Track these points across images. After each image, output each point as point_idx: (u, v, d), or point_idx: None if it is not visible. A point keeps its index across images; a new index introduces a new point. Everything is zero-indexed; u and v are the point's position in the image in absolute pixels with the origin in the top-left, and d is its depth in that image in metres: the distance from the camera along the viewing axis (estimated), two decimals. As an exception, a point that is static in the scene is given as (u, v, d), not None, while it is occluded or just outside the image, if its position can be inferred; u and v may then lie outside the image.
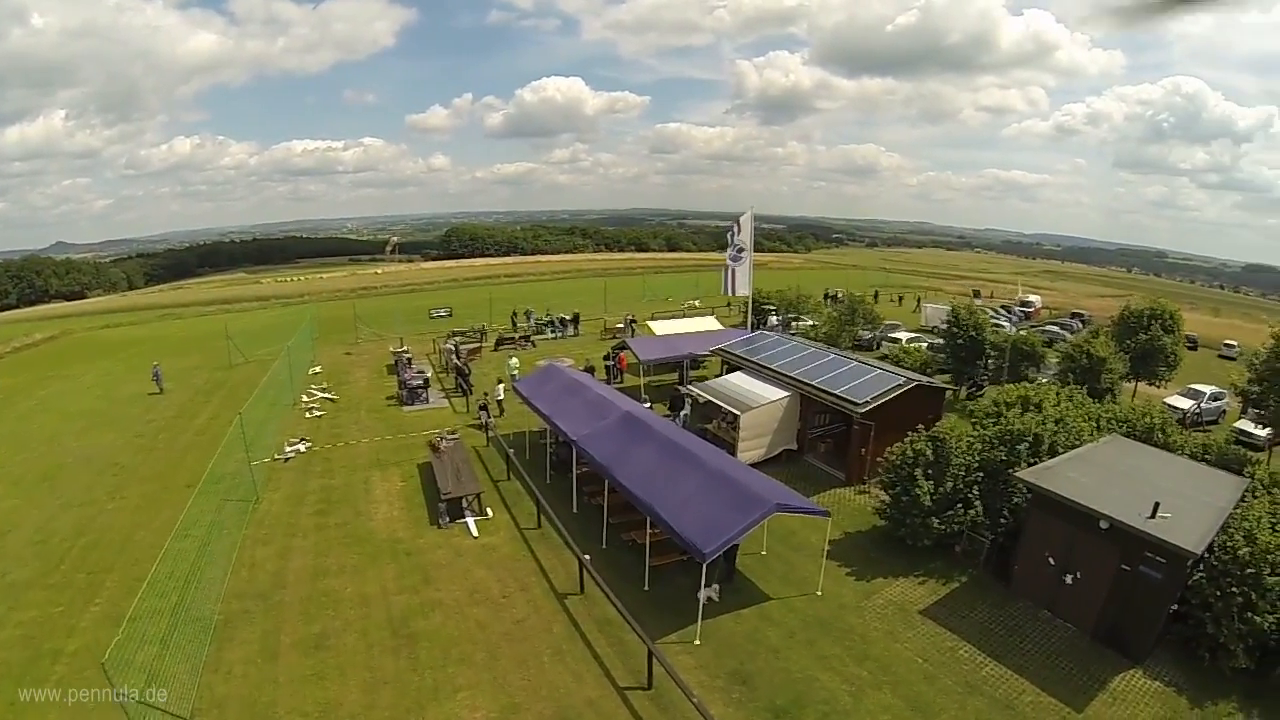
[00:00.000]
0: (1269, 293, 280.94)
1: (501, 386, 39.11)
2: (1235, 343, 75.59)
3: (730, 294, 45.35)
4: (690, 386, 35.05)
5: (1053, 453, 24.81)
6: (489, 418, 35.62)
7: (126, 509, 27.70)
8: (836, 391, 30.02)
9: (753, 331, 42.60)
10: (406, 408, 40.62)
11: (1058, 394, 29.82)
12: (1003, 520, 24.13)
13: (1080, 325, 76.32)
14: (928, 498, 23.59)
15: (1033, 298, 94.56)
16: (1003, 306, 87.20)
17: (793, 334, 52.42)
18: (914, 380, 30.87)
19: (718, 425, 33.22)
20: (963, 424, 29.79)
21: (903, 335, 56.40)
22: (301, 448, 33.70)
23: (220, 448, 28.85)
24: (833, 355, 34.81)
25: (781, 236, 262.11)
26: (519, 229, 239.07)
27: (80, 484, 30.45)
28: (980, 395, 43.83)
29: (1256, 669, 18.64)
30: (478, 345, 53.18)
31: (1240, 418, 41.26)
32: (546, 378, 33.44)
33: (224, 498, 26.98)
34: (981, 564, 24.01)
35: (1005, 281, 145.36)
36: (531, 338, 57.01)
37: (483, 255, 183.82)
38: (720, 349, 38.76)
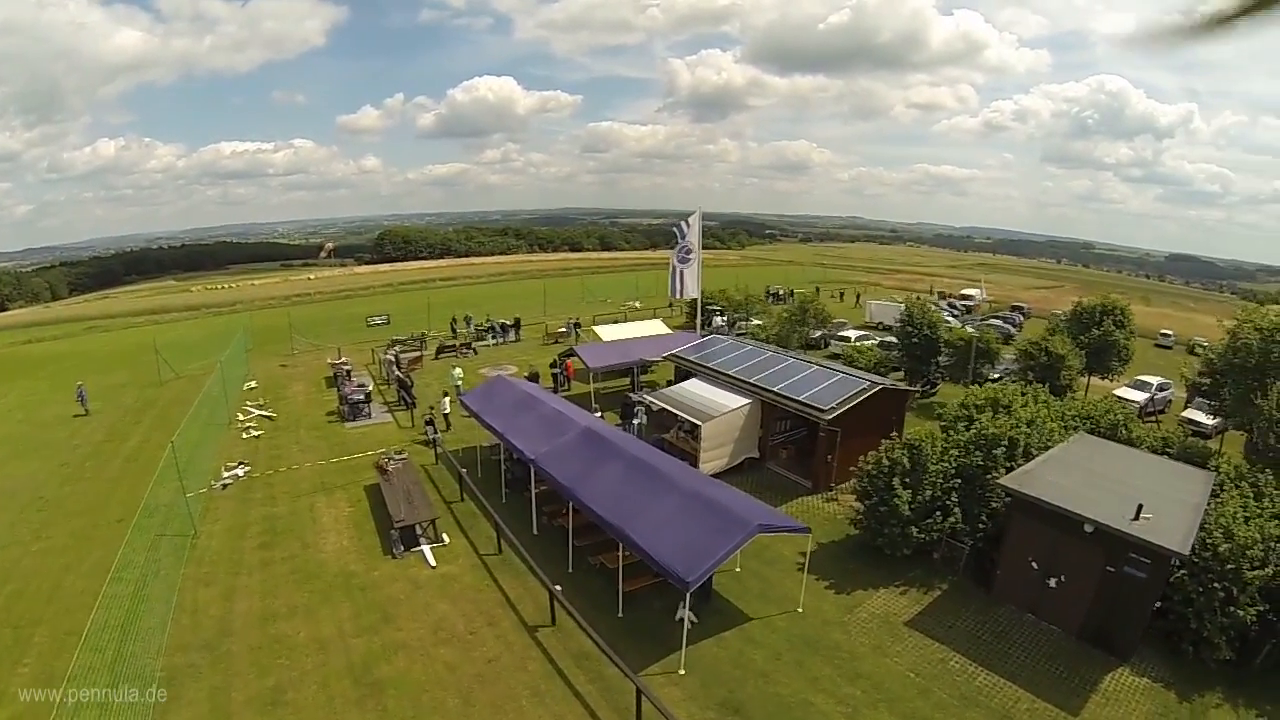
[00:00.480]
0: (1191, 280, 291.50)
1: (447, 400, 37.67)
2: (1171, 332, 77.36)
3: (679, 296, 44.70)
4: (646, 395, 34.14)
5: (1027, 456, 24.62)
6: (436, 433, 34.35)
7: (54, 550, 25.55)
8: (800, 398, 29.45)
9: (701, 334, 42.00)
10: (349, 424, 38.99)
11: (1024, 394, 29.67)
12: (981, 525, 23.81)
13: (1021, 318, 77.34)
14: (906, 507, 23.08)
15: (972, 291, 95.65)
16: (942, 297, 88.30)
17: (740, 334, 52.08)
18: (878, 384, 30.45)
19: (676, 435, 32.47)
20: (929, 426, 29.37)
21: (851, 333, 56.24)
22: (240, 472, 31.77)
23: (154, 476, 26.90)
24: (791, 359, 34.25)
25: (715, 234, 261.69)
26: (452, 231, 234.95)
27: (2, 522, 28.14)
28: (934, 393, 43.86)
29: (1237, 659, 19.19)
30: (419, 354, 51.60)
31: (1186, 407, 42.54)
32: (494, 391, 32.21)
33: (159, 532, 25.05)
34: (961, 570, 23.71)
35: (941, 275, 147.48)
36: (473, 345, 55.54)
37: (417, 258, 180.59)
38: (674, 355, 37.95)
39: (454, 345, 54.42)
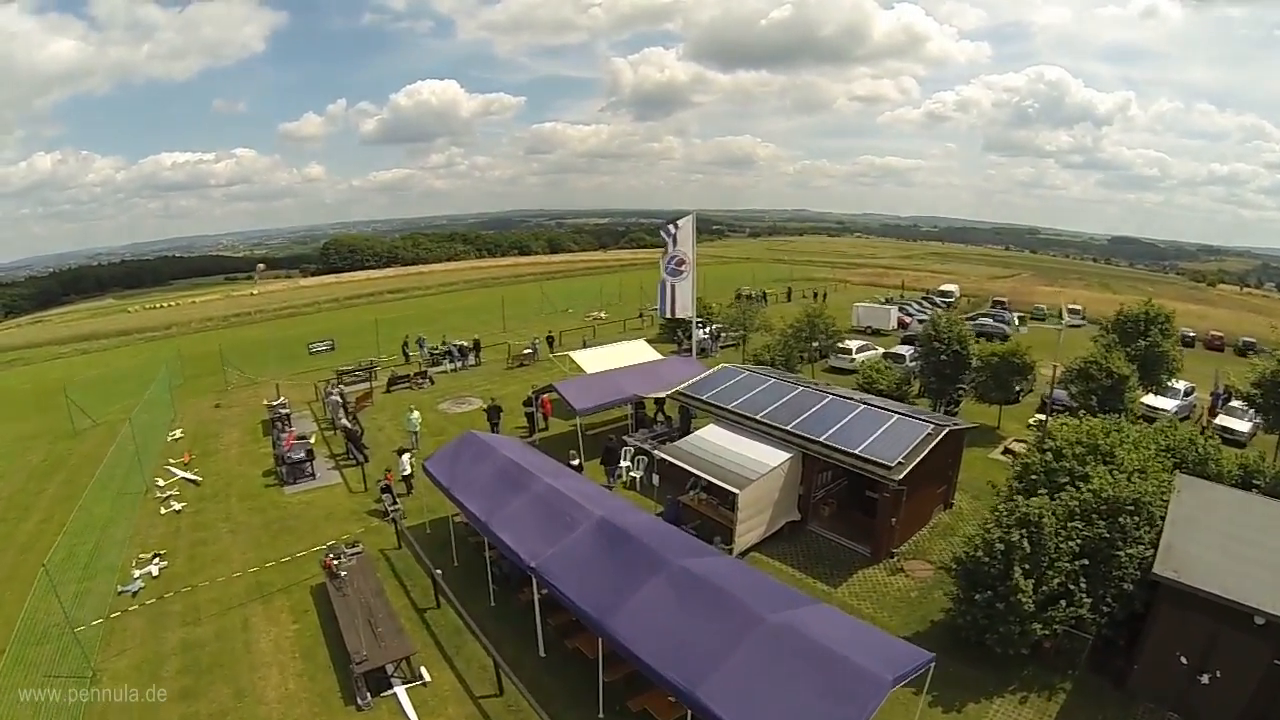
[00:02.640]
0: (1135, 262, 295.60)
1: (407, 458, 31.10)
2: (1192, 331, 73.55)
3: (669, 315, 39.14)
4: (645, 440, 28.18)
5: (1151, 521, 19.72)
6: (395, 503, 28.36)
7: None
8: (857, 451, 23.92)
9: (682, 350, 36.30)
10: (289, 488, 32.24)
11: (1116, 432, 24.52)
12: (1105, 609, 18.90)
13: (1010, 316, 73.03)
14: (1030, 601, 17.84)
15: (950, 287, 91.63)
16: (924, 299, 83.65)
17: (724, 345, 46.43)
18: (944, 426, 25.15)
19: (696, 498, 26.77)
20: (999, 478, 24.28)
21: (853, 344, 51.05)
22: (155, 570, 24.81)
23: (43, 585, 19.79)
24: (830, 396, 28.52)
25: (665, 231, 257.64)
26: (398, 238, 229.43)
27: None
28: (956, 414, 38.99)
29: None
30: (367, 389, 45.38)
31: (1215, 413, 40.68)
32: (465, 453, 25.59)
33: (49, 673, 18.46)
34: (1083, 664, 19.01)
35: (901, 267, 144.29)
36: (428, 373, 49.16)
37: (363, 267, 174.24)
38: (681, 394, 31.94)
39: (407, 375, 48.00)
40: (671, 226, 37.47)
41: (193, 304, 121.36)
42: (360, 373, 48.63)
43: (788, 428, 26.14)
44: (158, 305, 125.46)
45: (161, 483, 32.68)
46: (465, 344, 53.78)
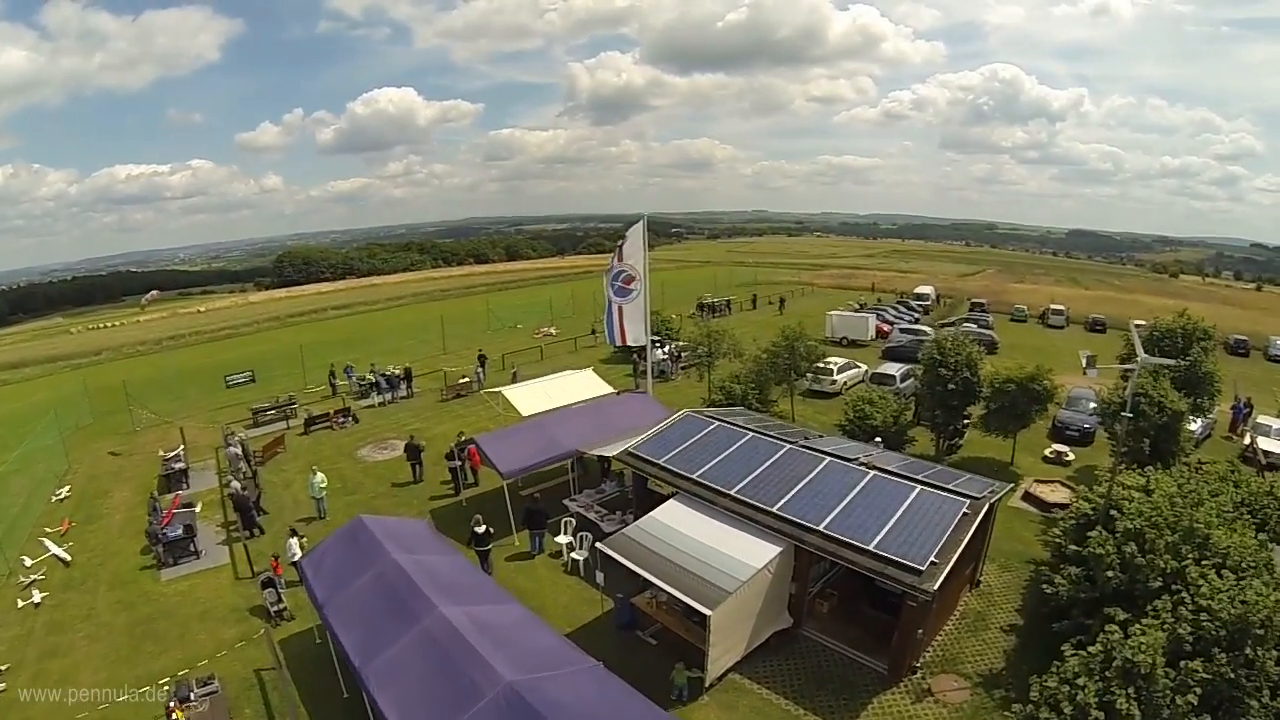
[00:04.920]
0: (1094, 255, 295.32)
1: (296, 542, 23.96)
2: (1144, 323, 67.75)
3: (618, 343, 32.56)
4: (599, 542, 20.36)
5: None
6: (279, 601, 21.92)
7: None
8: (871, 547, 17.08)
9: (639, 374, 29.54)
10: (166, 571, 25.51)
11: (1196, 506, 18.26)
12: None
13: (990, 320, 67.15)
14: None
15: (926, 289, 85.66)
16: (899, 303, 77.54)
17: (686, 364, 39.43)
18: (983, 499, 18.70)
19: (654, 604, 19.97)
20: (1027, 527, 17.88)
21: (835, 363, 43.92)
22: None
23: None
24: (828, 457, 21.38)
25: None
26: (354, 249, 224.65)
27: None
28: (959, 447, 32.69)
29: None
30: (279, 434, 38.23)
31: (1241, 431, 36.02)
32: (350, 554, 19.09)
33: None
34: None
35: (865, 267, 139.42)
36: (352, 411, 41.94)
37: (319, 279, 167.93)
38: (633, 455, 24.48)
39: (327, 415, 40.72)
40: (619, 245, 30.98)
41: (136, 323, 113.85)
42: (277, 411, 41.62)
43: (774, 509, 19.22)
44: (102, 325, 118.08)
45: (28, 562, 26.77)
46: (396, 372, 46.64)
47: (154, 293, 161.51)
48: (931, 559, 16.28)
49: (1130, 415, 20.43)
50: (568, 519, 25.33)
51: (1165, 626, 14.37)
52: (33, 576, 25.65)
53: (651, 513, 20.84)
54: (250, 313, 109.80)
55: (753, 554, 18.09)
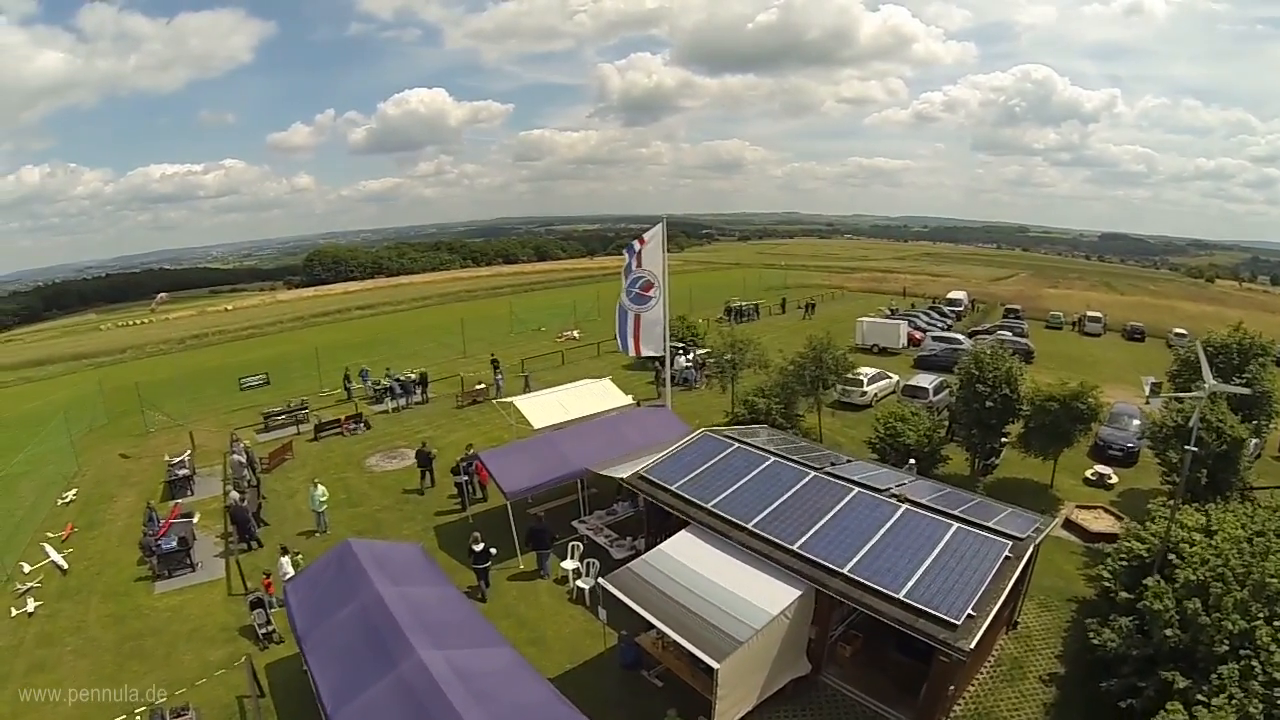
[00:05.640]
0: (1126, 258, 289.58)
1: (288, 560, 22.80)
2: (1185, 331, 65.05)
3: (631, 353, 30.72)
4: (602, 578, 18.19)
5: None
6: (267, 622, 20.67)
7: None
8: (901, 595, 15.07)
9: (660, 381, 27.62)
10: (160, 584, 24.47)
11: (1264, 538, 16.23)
12: None
13: (1025, 327, 64.63)
14: None
15: (958, 294, 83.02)
16: (931, 308, 75.08)
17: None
18: (1024, 542, 16.70)
19: (659, 645, 18.06)
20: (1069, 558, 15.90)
21: (865, 373, 41.35)
22: None
23: None
24: (856, 488, 19.24)
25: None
26: (383, 248, 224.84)
27: None
28: (995, 467, 30.53)
29: None
30: (288, 441, 36.83)
31: None
32: (335, 584, 17.73)
33: None
34: None
35: (893, 270, 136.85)
36: (365, 417, 40.38)
37: (347, 278, 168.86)
38: (645, 479, 22.39)
39: (338, 421, 39.28)
40: (632, 247, 29.07)
41: (165, 321, 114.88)
42: (288, 415, 40.32)
43: (794, 547, 17.25)
44: (132, 322, 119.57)
45: (27, 568, 25.98)
46: (410, 377, 45.18)
47: (162, 295, 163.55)
48: (968, 612, 14.27)
49: (1194, 449, 18.12)
50: (575, 542, 23.58)
51: (1234, 702, 12.44)
52: (29, 584, 24.90)
53: (660, 546, 18.96)
54: (276, 312, 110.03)
55: (768, 598, 16.16)
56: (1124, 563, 18.29)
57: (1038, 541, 17.31)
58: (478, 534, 22.43)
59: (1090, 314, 73.57)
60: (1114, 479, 30.35)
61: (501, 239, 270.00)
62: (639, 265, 28.66)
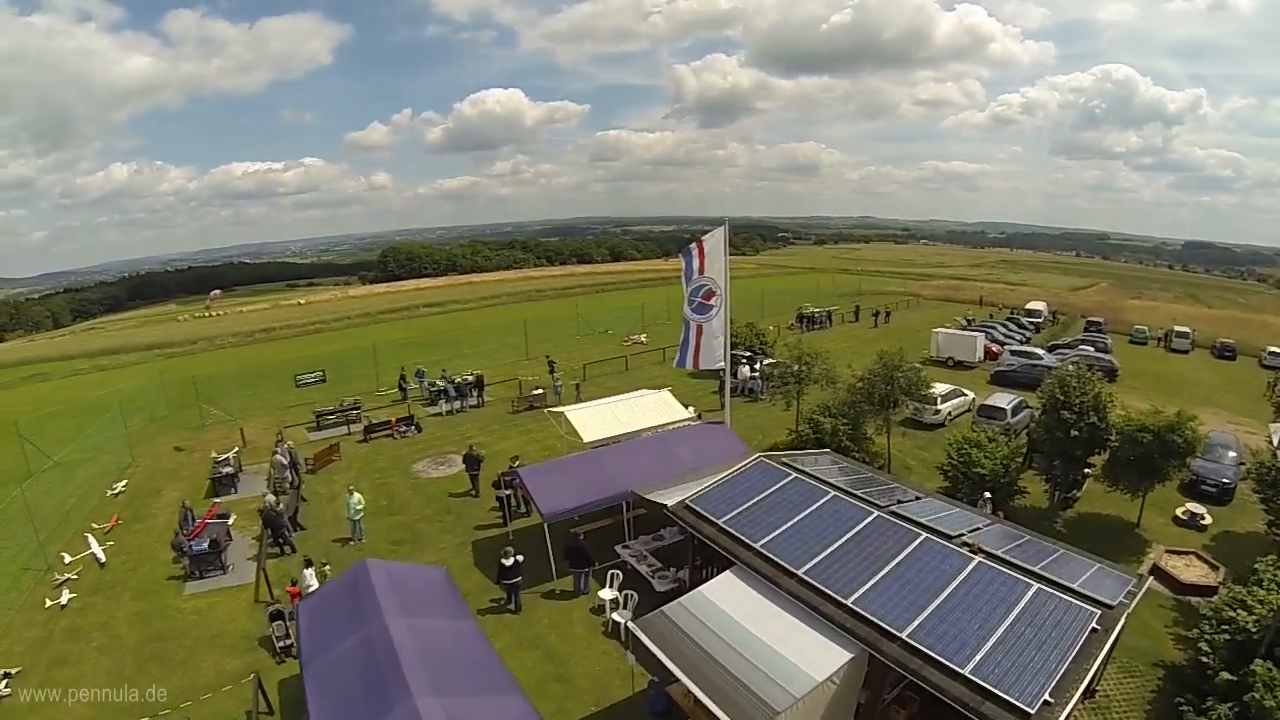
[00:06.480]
0: (1211, 268, 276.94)
1: (312, 572, 21.45)
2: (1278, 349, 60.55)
3: (690, 366, 28.60)
4: (631, 622, 16.25)
5: None
6: (286, 635, 19.57)
7: None
8: (967, 671, 12.74)
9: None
10: (191, 585, 23.86)
11: None
12: None
13: (1108, 342, 60.67)
14: None
15: (1038, 305, 79.04)
16: (1009, 320, 71.42)
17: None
18: (1115, 611, 14.18)
19: (690, 697, 15.24)
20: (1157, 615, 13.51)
21: (939, 389, 37.45)
22: None
23: None
24: (924, 536, 16.67)
25: (729, 239, 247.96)
26: (458, 245, 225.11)
27: None
28: (1077, 500, 27.76)
29: None
30: (335, 442, 35.67)
31: None
32: (343, 608, 16.45)
33: None
34: None
35: (972, 278, 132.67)
36: (416, 419, 39.06)
37: (421, 276, 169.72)
38: (691, 510, 20.11)
39: (388, 423, 38.06)
40: (692, 248, 26.99)
41: (241, 313, 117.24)
42: (335, 415, 39.28)
43: (849, 602, 14.96)
44: (211, 313, 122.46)
45: (68, 559, 26.04)
46: (466, 379, 43.65)
47: (217, 291, 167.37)
48: (1045, 698, 11.95)
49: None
50: (614, 570, 21.72)
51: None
52: (67, 575, 24.90)
53: (701, 588, 16.83)
54: (345, 307, 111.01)
55: (815, 660, 13.98)
56: (1225, 634, 15.70)
57: (1130, 608, 14.78)
58: (509, 548, 21.01)
59: (1178, 329, 68.93)
60: (1207, 519, 26.92)
61: (577, 239, 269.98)
62: (700, 272, 26.67)
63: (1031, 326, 69.62)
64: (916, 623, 14.02)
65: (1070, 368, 28.09)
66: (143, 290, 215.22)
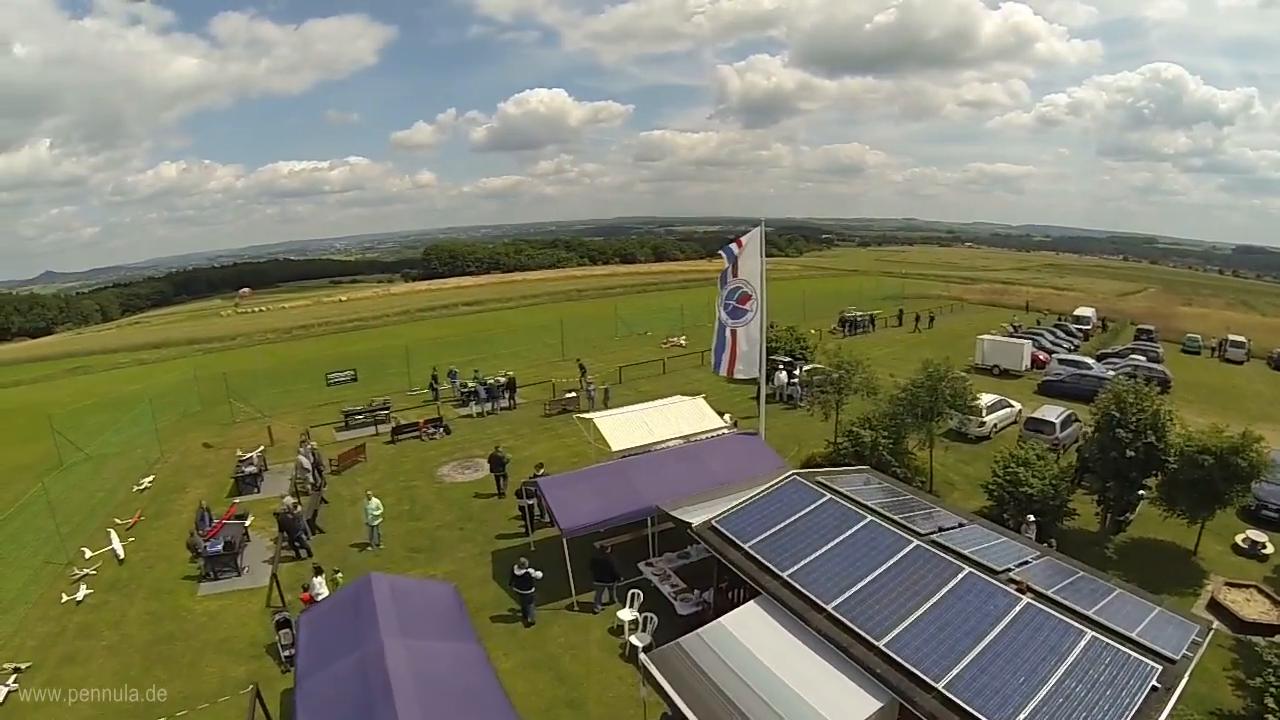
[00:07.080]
0: (1263, 273, 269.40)
1: (321, 580, 20.67)
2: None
3: (722, 373, 27.36)
4: (648, 661, 14.55)
5: None
6: (293, 643, 18.20)
7: None
8: None
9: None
10: (204, 586, 23.34)
11: None
12: None
13: (1160, 351, 58.11)
14: None
15: (1086, 311, 76.26)
16: (1057, 326, 68.92)
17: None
18: (1177, 667, 12.65)
19: None
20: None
21: (985, 400, 35.79)
22: (5, 689, 18.18)
23: None
24: (967, 571, 15.02)
25: (772, 240, 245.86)
26: (501, 244, 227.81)
27: None
28: (1129, 523, 25.99)
29: None
30: (361, 443, 34.87)
31: None
32: (342, 626, 15.57)
33: None
34: None
35: (1018, 282, 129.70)
36: (444, 421, 38.10)
37: (463, 274, 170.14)
38: (717, 529, 18.68)
39: (416, 424, 37.19)
40: (733, 246, 25.66)
41: (283, 309, 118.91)
42: (364, 415, 38.53)
43: (881, 644, 13.45)
44: (252, 310, 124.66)
45: (89, 554, 25.78)
46: (499, 380, 42.70)
47: (246, 290, 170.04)
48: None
49: None
50: (635, 590, 20.40)
51: None
52: (86, 570, 24.74)
53: (722, 620, 15.49)
54: (385, 304, 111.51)
55: (840, 708, 12.57)
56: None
57: (1195, 662, 13.15)
58: (524, 559, 20.20)
59: (1233, 338, 65.54)
60: (1269, 548, 24.74)
61: (620, 238, 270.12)
62: (735, 274, 25.38)
63: (1080, 333, 67.03)
64: (955, 672, 12.49)
65: (1124, 380, 26.26)
66: (189, 286, 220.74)
